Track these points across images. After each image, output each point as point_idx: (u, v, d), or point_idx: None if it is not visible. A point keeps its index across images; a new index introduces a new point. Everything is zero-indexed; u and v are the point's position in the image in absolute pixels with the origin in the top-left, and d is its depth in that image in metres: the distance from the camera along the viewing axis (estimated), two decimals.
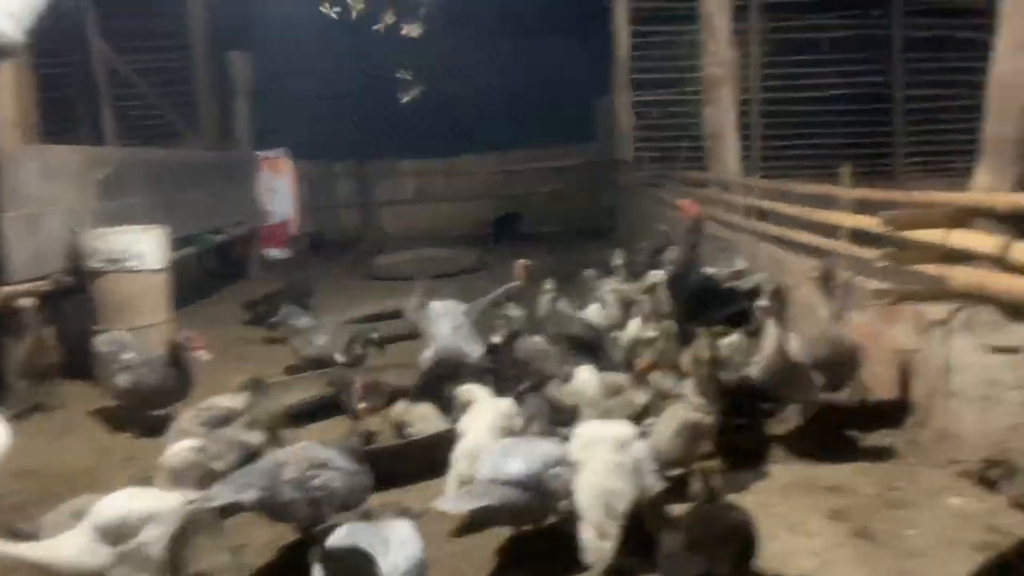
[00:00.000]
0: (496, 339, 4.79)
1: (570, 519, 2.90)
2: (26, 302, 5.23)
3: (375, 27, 10.77)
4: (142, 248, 5.71)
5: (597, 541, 2.77)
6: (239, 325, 7.44)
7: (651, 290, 5.20)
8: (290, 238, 12.80)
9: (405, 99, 12.36)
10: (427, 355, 4.52)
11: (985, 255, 3.65)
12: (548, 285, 5.47)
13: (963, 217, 3.87)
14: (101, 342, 4.82)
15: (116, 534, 2.56)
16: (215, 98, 12.16)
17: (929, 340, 3.78)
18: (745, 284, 5.31)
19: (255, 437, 3.65)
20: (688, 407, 3.39)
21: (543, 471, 2.88)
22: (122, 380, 4.63)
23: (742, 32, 9.32)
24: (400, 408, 4.17)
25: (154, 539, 2.60)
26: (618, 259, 6.48)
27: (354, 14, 10.41)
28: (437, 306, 4.77)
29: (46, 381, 5.18)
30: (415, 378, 4.53)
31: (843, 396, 4.13)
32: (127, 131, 11.58)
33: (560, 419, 3.66)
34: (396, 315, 6.31)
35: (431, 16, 10.79)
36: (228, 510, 2.98)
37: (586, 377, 3.96)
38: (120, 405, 4.80)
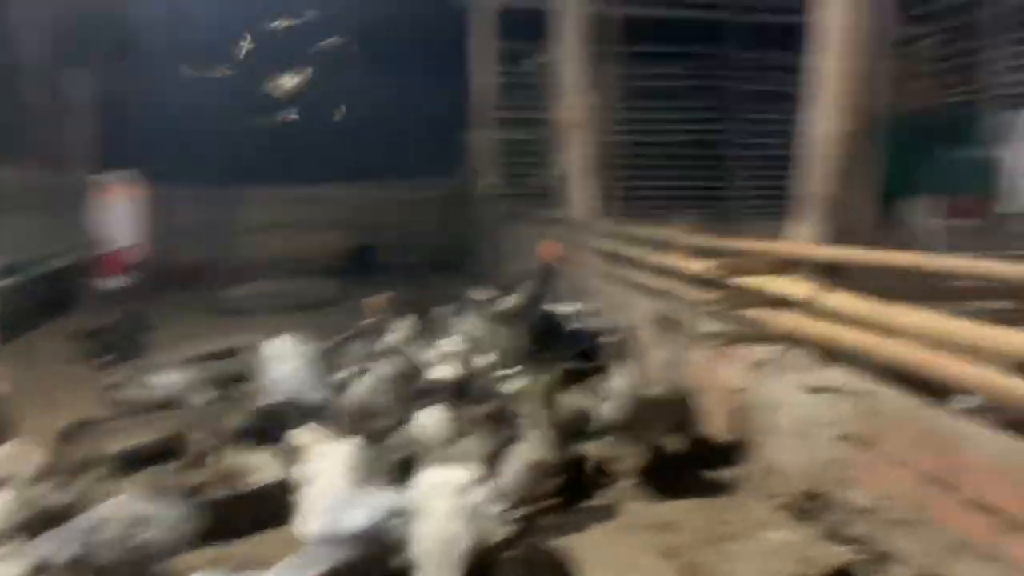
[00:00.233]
0: (339, 377, 4.68)
1: (408, 571, 2.84)
2: None
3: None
4: None
5: None
6: (65, 361, 6.89)
7: (496, 319, 5.26)
8: (131, 267, 12.03)
9: (261, 122, 12.05)
10: (260, 398, 4.35)
11: (798, 302, 3.95)
12: (405, 321, 5.42)
13: (785, 266, 4.16)
14: None
15: None
16: (48, 119, 11.32)
17: (756, 379, 4.03)
18: (589, 324, 5.48)
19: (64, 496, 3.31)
20: (534, 447, 3.44)
21: (384, 523, 2.83)
22: None
23: (599, 78, 9.72)
24: (233, 455, 3.97)
25: None
26: (479, 295, 6.39)
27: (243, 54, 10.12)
28: (274, 345, 4.60)
29: None
30: (247, 422, 4.33)
31: (682, 434, 4.26)
32: None
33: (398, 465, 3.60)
34: (233, 353, 5.98)
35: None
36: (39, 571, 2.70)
37: (427, 421, 3.93)
38: None
